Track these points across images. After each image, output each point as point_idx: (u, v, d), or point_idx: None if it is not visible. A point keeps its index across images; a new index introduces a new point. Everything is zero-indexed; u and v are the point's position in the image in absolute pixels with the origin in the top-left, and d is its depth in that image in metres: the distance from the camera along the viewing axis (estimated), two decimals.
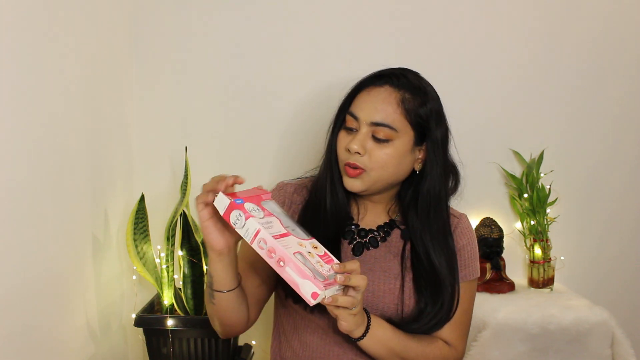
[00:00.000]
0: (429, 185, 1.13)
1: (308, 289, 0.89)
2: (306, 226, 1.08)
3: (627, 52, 1.76)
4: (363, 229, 1.17)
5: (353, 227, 1.18)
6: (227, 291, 1.05)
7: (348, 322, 0.99)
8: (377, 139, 1.08)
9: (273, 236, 0.92)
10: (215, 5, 1.69)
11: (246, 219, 0.92)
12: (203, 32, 1.70)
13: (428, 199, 1.13)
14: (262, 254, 0.92)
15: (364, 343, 1.05)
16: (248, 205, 0.94)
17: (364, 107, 1.10)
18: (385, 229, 1.17)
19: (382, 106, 1.08)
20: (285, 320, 1.19)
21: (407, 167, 1.13)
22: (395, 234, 1.17)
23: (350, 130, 1.11)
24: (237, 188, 0.99)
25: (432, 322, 1.11)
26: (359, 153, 1.08)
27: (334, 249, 1.12)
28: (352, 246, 1.16)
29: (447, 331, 1.14)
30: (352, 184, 1.11)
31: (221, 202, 0.93)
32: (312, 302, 0.90)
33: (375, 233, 1.17)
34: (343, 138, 1.12)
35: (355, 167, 1.09)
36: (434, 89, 1.14)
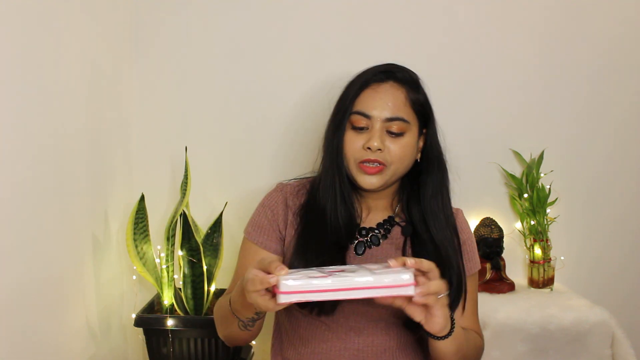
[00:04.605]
0: (431, 171, 1.15)
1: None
2: (311, 231, 1.11)
3: (629, 52, 1.76)
4: (364, 228, 1.17)
5: None
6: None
7: (444, 314, 0.94)
8: (392, 133, 1.10)
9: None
10: (215, 6, 1.69)
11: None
12: (203, 32, 1.70)
13: (432, 185, 1.15)
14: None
15: (447, 342, 0.99)
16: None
17: (375, 104, 1.10)
18: (386, 227, 1.17)
19: (393, 101, 1.11)
20: (286, 320, 1.18)
21: (414, 158, 1.15)
22: (396, 230, 1.17)
23: (360, 129, 1.11)
24: None
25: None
26: (379, 150, 1.09)
27: (342, 253, 1.13)
28: (353, 245, 1.15)
29: (471, 322, 1.17)
30: (370, 181, 1.11)
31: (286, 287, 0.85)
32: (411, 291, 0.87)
33: (377, 231, 1.17)
34: (354, 137, 1.11)
35: (377, 164, 1.09)
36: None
